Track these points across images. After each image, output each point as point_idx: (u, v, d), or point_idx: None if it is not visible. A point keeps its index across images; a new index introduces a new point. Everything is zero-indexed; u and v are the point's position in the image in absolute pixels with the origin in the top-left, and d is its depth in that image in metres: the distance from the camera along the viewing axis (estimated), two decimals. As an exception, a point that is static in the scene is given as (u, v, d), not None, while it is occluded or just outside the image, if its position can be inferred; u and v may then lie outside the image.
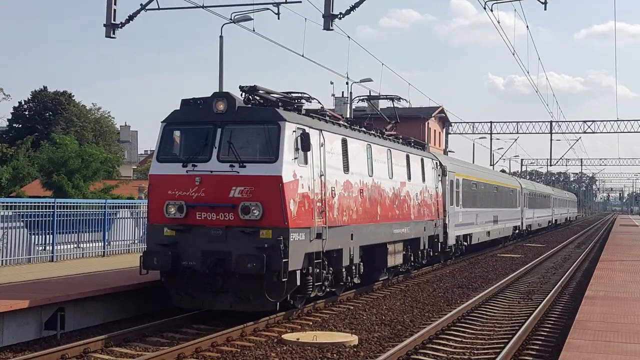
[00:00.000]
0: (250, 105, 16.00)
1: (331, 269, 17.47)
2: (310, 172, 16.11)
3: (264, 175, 15.08)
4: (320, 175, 16.54)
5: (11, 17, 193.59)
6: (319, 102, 18.36)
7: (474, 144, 78.69)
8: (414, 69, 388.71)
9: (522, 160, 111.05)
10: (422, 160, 25.53)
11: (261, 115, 15.67)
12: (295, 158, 15.55)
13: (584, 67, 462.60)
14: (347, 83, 46.23)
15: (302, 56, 25.03)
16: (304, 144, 15.63)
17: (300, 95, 17.57)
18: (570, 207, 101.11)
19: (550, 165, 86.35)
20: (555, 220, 78.06)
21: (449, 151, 71.64)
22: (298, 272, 15.59)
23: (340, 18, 16.97)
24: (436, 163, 27.75)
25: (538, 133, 71.24)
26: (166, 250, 15.32)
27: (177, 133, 16.13)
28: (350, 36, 28.45)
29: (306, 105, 17.62)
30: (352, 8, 17.07)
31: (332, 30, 16.87)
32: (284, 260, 14.83)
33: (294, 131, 15.59)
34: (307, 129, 15.99)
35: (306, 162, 15.98)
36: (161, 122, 16.17)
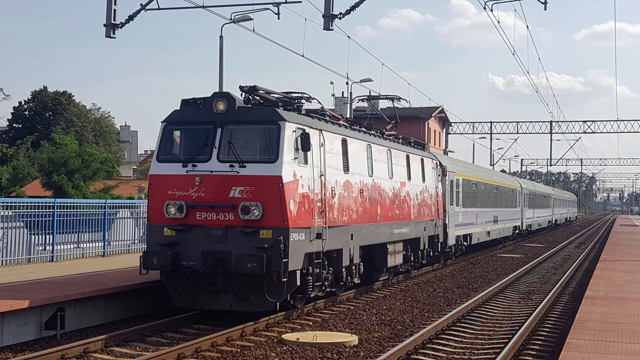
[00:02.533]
0: (250, 105, 15.98)
1: (331, 269, 17.47)
2: (310, 172, 16.09)
3: (264, 175, 15.06)
4: (320, 175, 16.53)
5: (11, 17, 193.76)
6: (319, 102, 18.38)
7: (474, 144, 78.78)
8: (414, 69, 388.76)
9: (522, 160, 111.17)
10: (422, 160, 25.52)
11: (261, 115, 15.64)
12: (295, 158, 15.52)
13: (584, 67, 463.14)
14: (347, 83, 46.33)
15: (302, 56, 24.99)
16: (304, 144, 15.61)
17: (300, 95, 17.55)
18: (570, 207, 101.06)
19: (550, 165, 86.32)
20: (555, 221, 78.05)
21: (449, 151, 71.66)
22: (298, 272, 15.58)
23: (340, 18, 16.90)
24: (436, 163, 27.74)
25: (538, 133, 71.21)
26: (166, 250, 15.31)
27: (177, 133, 16.11)
28: (350, 36, 28.42)
29: (306, 105, 17.62)
30: (352, 8, 17.00)
31: (332, 30, 16.79)
32: (284, 260, 14.82)
33: (294, 131, 15.56)
34: (307, 129, 15.97)
35: (306, 162, 15.96)
36: (161, 122, 16.16)
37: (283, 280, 14.89)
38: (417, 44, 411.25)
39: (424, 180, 25.44)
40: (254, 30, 18.87)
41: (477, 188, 36.46)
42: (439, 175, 27.97)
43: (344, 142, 18.16)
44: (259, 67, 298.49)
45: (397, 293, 21.60)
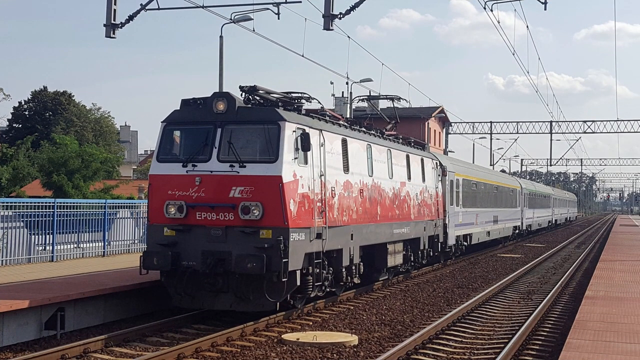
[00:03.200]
0: (250, 105, 15.95)
1: (331, 269, 17.44)
2: (310, 172, 16.06)
3: (264, 175, 15.02)
4: (320, 175, 16.50)
5: (11, 17, 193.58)
6: (319, 102, 18.35)
7: (474, 144, 78.70)
8: (414, 69, 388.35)
9: (522, 160, 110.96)
10: (422, 160, 25.48)
11: (261, 115, 15.59)
12: (295, 158, 15.48)
13: (584, 67, 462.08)
14: (347, 83, 46.20)
15: (302, 56, 24.94)
16: (304, 144, 15.58)
17: (300, 95, 17.52)
18: (570, 207, 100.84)
19: (551, 165, 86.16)
20: (555, 221, 77.91)
21: (449, 151, 71.55)
22: (298, 272, 15.54)
23: (340, 18, 16.74)
24: (436, 163, 27.69)
25: (538, 133, 71.13)
26: (166, 250, 15.27)
27: (177, 133, 16.06)
28: (350, 36, 28.35)
29: (306, 105, 17.58)
30: (352, 8, 16.80)
31: (332, 30, 16.61)
32: (284, 260, 14.78)
33: (294, 131, 15.53)
34: (307, 129, 15.93)
35: (306, 162, 15.92)
36: (161, 122, 16.12)
37: (283, 280, 14.85)
38: (417, 44, 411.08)
39: (424, 180, 25.39)
40: (254, 30, 18.75)
41: (477, 188, 36.39)
42: (439, 175, 27.91)
43: (344, 142, 18.13)
44: (259, 67, 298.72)
45: (397, 293, 21.56)
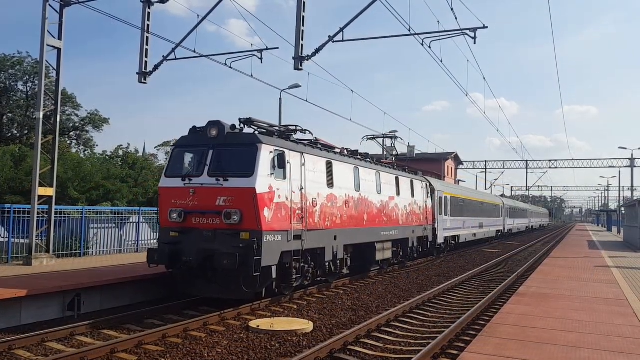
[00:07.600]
0: (236, 131, 12.07)
1: (313, 263, 13.26)
2: (289, 185, 12.00)
3: (242, 187, 11.11)
4: (301, 189, 12.43)
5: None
6: (311, 133, 14.25)
7: (476, 177, 72.82)
8: (443, 132, 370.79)
9: (512, 187, 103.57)
10: (411, 181, 20.93)
11: (243, 139, 11.70)
12: (272, 174, 11.48)
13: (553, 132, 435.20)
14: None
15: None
16: (280, 162, 11.68)
17: (294, 127, 13.57)
18: (543, 217, 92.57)
19: (527, 190, 79.51)
20: (532, 226, 70.75)
21: (461, 180, 66.42)
22: (274, 267, 11.48)
23: (307, 60, 12.64)
24: (426, 184, 23.03)
25: (519, 168, 65.46)
26: (165, 248, 11.50)
27: (182, 154, 12.35)
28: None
29: (301, 136, 13.64)
30: (317, 51, 12.68)
31: (301, 70, 12.55)
32: (255, 257, 10.80)
33: (270, 152, 11.57)
34: (286, 151, 12.00)
35: (284, 178, 11.90)
36: (171, 145, 12.40)
37: (255, 274, 10.86)
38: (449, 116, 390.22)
39: (413, 196, 20.83)
40: (252, 76, 14.96)
41: (464, 203, 31.18)
42: (428, 193, 23.26)
43: (329, 164, 13.99)
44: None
45: (387, 280, 17.09)
